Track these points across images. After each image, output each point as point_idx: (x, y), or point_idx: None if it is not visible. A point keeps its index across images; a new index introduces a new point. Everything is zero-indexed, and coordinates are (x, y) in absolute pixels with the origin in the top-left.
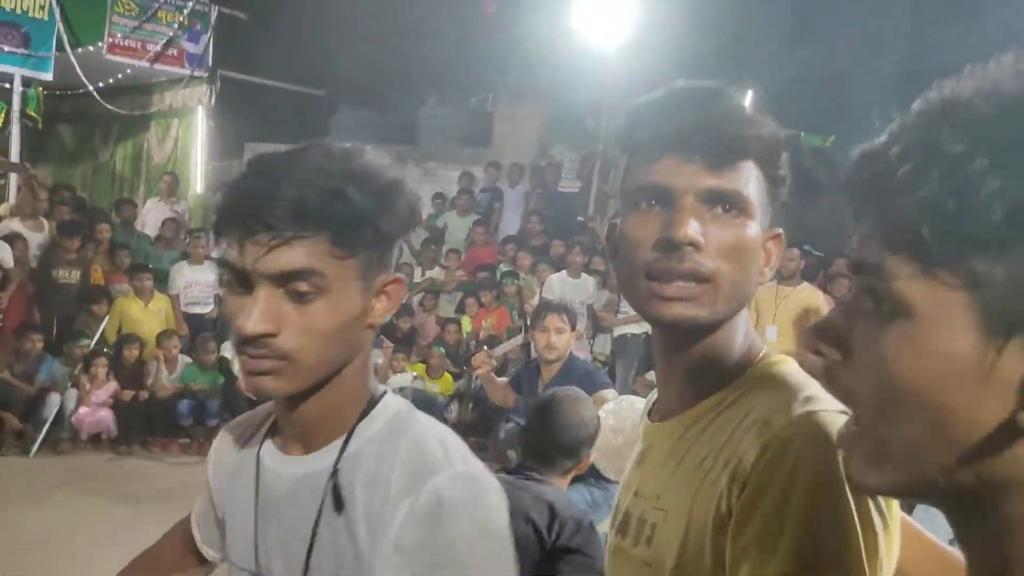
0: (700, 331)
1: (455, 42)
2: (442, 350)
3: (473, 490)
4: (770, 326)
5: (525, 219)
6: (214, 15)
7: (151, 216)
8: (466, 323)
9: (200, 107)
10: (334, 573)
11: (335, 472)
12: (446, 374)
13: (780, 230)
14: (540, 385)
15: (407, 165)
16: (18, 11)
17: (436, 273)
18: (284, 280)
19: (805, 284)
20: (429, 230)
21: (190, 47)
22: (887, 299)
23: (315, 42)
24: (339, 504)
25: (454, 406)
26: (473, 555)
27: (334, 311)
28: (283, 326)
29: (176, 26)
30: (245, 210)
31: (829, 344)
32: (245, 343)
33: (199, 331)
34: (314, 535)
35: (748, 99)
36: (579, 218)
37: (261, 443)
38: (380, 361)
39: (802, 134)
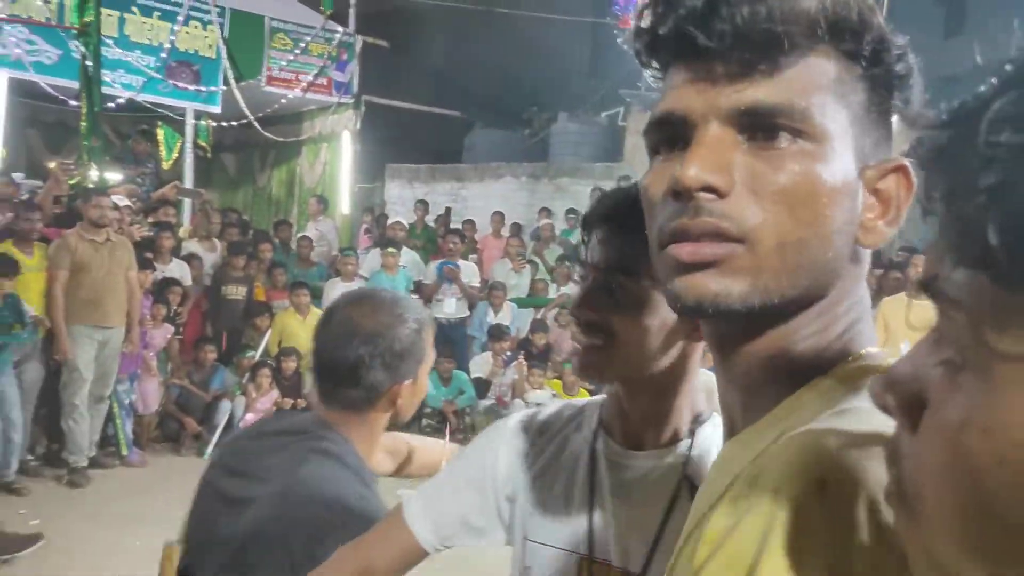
0: (748, 321)
1: (585, 59)
2: None
3: None
4: (904, 343)
5: None
6: (359, 45)
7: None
8: None
9: (346, 132)
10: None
11: (686, 463)
12: (582, 390)
13: (903, 161)
14: None
15: (540, 182)
16: (190, 51)
17: (570, 289)
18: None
19: None
20: (562, 246)
21: (337, 76)
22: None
23: (451, 66)
24: (693, 492)
25: None
26: None
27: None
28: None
29: (325, 56)
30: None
31: (899, 408)
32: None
33: None
34: (666, 519)
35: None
36: None
37: (594, 437)
38: (516, 377)
39: None
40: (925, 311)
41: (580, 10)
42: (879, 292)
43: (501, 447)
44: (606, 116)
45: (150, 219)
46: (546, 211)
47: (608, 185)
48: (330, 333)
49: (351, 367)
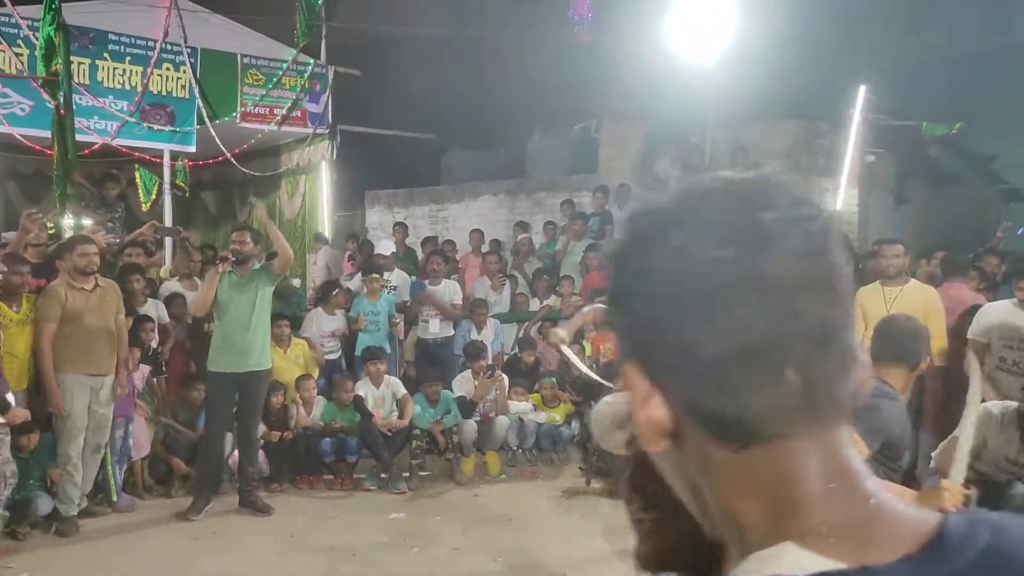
0: None
1: (555, 76)
2: (553, 380)
3: None
4: None
5: None
6: (331, 75)
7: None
8: (588, 349)
9: (324, 162)
10: None
11: None
12: (563, 404)
13: None
14: None
15: (518, 198)
16: (163, 93)
17: (553, 301)
18: None
19: (913, 280)
20: (541, 259)
21: (311, 107)
22: None
23: (424, 90)
24: None
25: (575, 424)
26: None
27: None
28: None
29: (299, 89)
30: None
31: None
32: None
33: (331, 374)
34: None
35: (860, 95)
36: None
37: None
38: (498, 392)
39: (924, 124)
40: (901, 297)
41: (547, 25)
42: (856, 283)
43: None
44: (579, 128)
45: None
46: (523, 225)
47: (584, 196)
48: None
49: None
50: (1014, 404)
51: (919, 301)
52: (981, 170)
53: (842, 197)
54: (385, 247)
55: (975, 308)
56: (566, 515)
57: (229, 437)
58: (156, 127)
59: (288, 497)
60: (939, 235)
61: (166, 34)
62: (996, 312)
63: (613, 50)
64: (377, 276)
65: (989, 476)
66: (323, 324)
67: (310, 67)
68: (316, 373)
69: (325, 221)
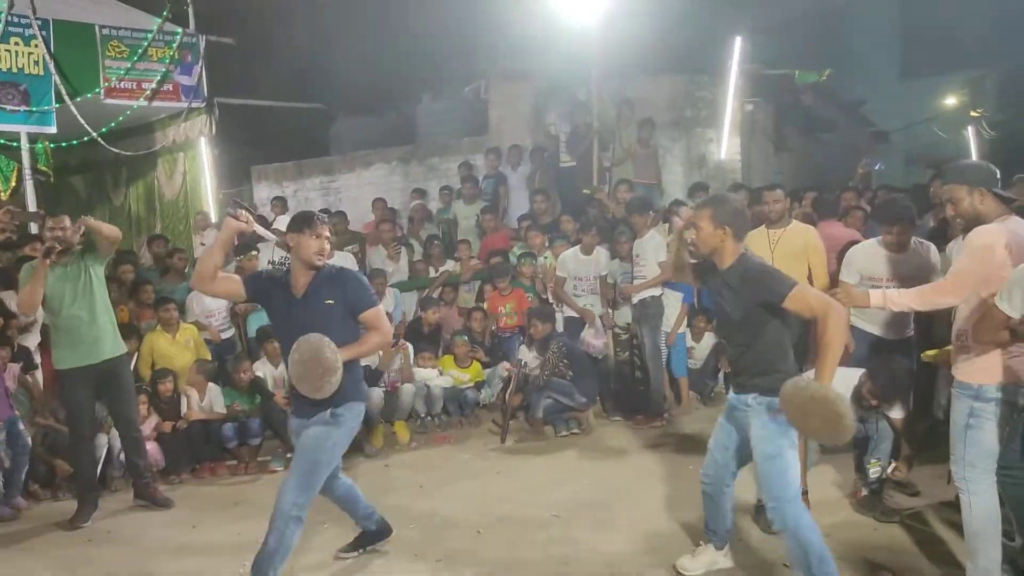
0: None
1: (442, 37)
2: (465, 338)
3: None
4: None
5: (531, 199)
6: (202, 44)
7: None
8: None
9: (203, 138)
10: None
11: None
12: (475, 362)
13: None
14: None
15: (410, 164)
16: (14, 69)
17: (451, 266)
18: None
19: (794, 222)
20: (438, 225)
21: (184, 80)
22: None
23: (306, 58)
24: None
25: (485, 391)
26: None
27: None
28: None
29: (168, 61)
30: None
31: None
32: None
33: (223, 355)
34: None
35: (737, 46)
36: (584, 191)
37: None
38: (403, 361)
39: (796, 72)
40: (783, 238)
41: None
42: None
43: None
44: (469, 90)
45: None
46: (418, 192)
47: (478, 159)
48: None
49: None
50: None
51: (800, 241)
52: (850, 115)
53: (725, 146)
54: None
55: (849, 246)
56: (477, 477)
57: (104, 435)
58: (9, 108)
59: (189, 488)
60: (815, 179)
61: (11, 4)
62: (861, 253)
63: (499, 9)
64: (254, 254)
65: None
66: (205, 303)
67: (179, 37)
68: (208, 356)
69: (210, 199)
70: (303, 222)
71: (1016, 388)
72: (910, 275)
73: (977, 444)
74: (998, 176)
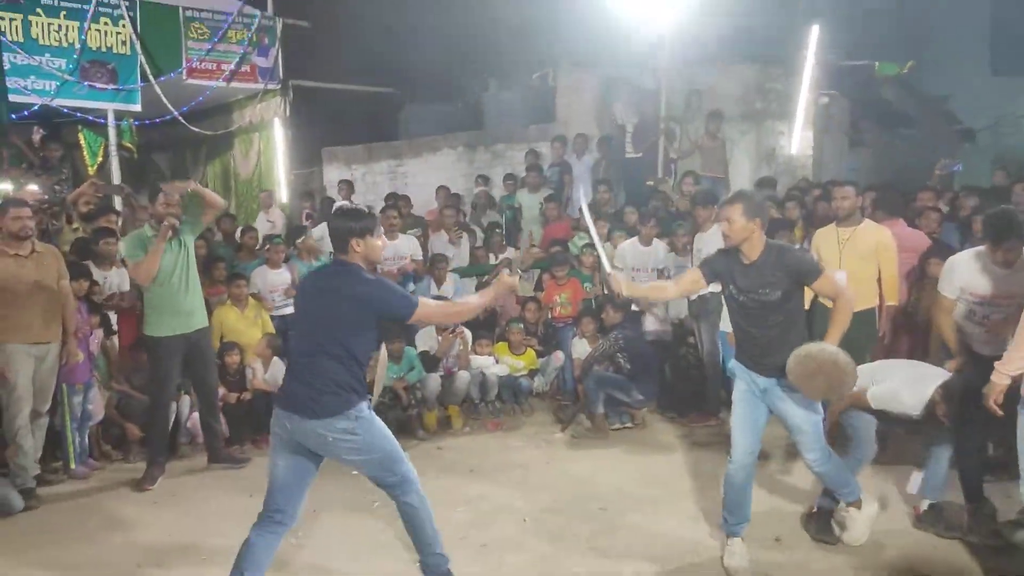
0: None
1: (509, 24)
2: (521, 325)
3: None
4: (838, 271)
5: (595, 189)
6: (279, 27)
7: (264, 228)
8: None
9: (277, 119)
10: None
11: None
12: (529, 350)
13: None
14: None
15: (477, 151)
16: (103, 49)
17: (511, 254)
18: None
19: (867, 221)
20: (501, 212)
21: (261, 62)
22: None
23: (378, 42)
24: None
25: (539, 379)
26: None
27: None
28: None
29: (246, 42)
30: None
31: None
32: None
33: (286, 331)
34: None
35: (814, 35)
36: (648, 183)
37: None
38: (460, 347)
39: (876, 64)
40: (854, 238)
41: None
42: (810, 224)
43: None
44: (537, 77)
45: (92, 225)
46: (483, 179)
47: (543, 147)
48: None
49: None
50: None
51: (872, 240)
52: (934, 110)
53: (797, 140)
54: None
55: (935, 250)
56: (527, 466)
57: (187, 400)
58: (98, 85)
59: (251, 457)
60: (893, 177)
61: None
62: (964, 266)
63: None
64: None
65: None
66: (269, 278)
67: (257, 19)
68: (273, 331)
69: (281, 180)
70: (370, 226)
71: None
72: (1020, 292)
73: None
74: None
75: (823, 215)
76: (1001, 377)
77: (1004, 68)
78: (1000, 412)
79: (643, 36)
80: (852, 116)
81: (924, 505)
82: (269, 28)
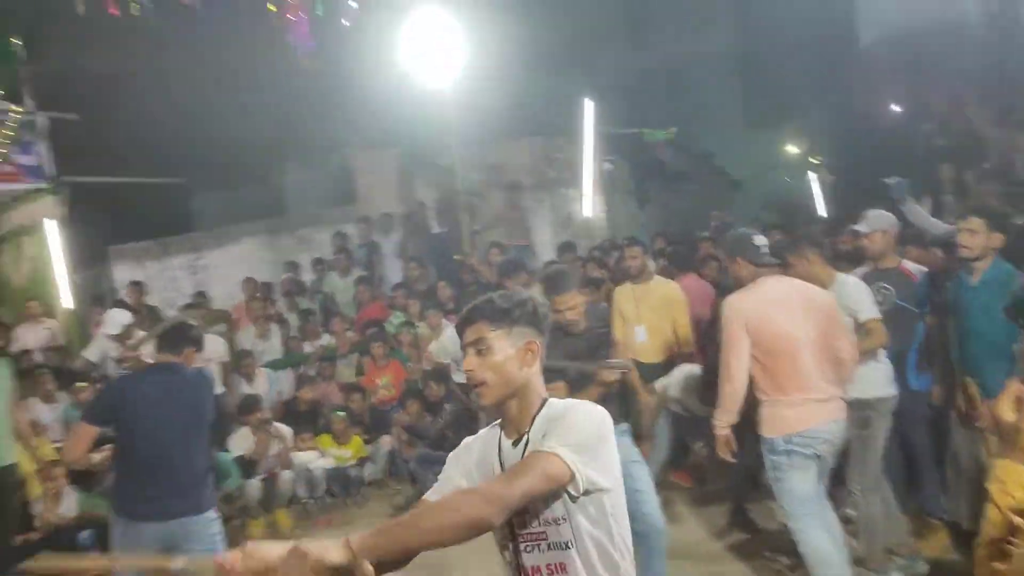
0: None
1: (303, 107)
2: (343, 413)
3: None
4: (638, 327)
5: (406, 267)
6: (42, 122)
7: (28, 338)
8: None
9: (50, 220)
10: None
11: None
12: (355, 437)
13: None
14: None
15: (280, 236)
16: None
17: (327, 340)
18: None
19: (657, 277)
20: (312, 298)
21: (25, 160)
22: None
23: (158, 131)
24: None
25: (371, 466)
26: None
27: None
28: None
29: (5, 140)
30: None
31: None
32: None
33: None
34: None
35: (589, 108)
36: (455, 257)
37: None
38: (280, 447)
39: (643, 131)
40: (647, 293)
41: (283, 54)
42: (611, 281)
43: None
44: (336, 158)
45: None
46: (290, 265)
47: (349, 227)
48: None
49: None
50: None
51: (661, 294)
52: (704, 166)
53: (590, 204)
54: (115, 320)
55: (719, 297)
56: None
57: None
58: None
59: None
60: (680, 228)
61: None
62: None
63: (353, 78)
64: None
65: None
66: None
67: (10, 115)
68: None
69: (63, 285)
70: None
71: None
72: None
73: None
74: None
75: (622, 273)
76: (719, 429)
77: (757, 123)
78: (732, 459)
79: (431, 113)
80: (635, 178)
81: None
82: (30, 124)
